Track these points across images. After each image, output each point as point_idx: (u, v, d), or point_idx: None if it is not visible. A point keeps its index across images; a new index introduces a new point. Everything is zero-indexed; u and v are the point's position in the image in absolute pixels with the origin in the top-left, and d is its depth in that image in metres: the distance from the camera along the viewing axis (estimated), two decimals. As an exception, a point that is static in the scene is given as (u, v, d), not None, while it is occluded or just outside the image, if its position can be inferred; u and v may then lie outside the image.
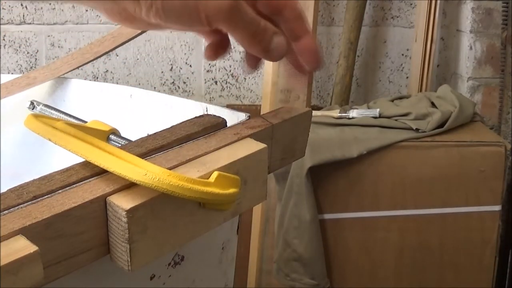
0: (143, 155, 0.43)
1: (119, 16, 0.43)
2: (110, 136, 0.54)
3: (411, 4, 1.68)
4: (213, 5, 0.39)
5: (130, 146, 0.45)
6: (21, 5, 1.63)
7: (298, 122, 0.52)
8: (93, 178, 0.40)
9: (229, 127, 0.49)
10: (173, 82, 1.70)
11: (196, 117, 0.51)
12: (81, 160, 0.41)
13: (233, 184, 0.42)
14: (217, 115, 0.51)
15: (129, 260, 0.37)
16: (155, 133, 0.47)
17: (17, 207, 0.36)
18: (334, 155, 1.24)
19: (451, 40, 1.69)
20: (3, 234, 0.33)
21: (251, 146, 0.45)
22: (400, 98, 1.47)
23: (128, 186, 0.38)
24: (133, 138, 0.50)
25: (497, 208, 1.26)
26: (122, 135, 0.55)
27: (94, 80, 1.67)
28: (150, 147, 0.44)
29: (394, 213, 1.27)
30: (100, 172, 0.40)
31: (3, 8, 1.62)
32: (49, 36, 1.65)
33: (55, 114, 0.68)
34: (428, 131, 1.26)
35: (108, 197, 0.37)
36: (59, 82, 0.87)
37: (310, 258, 1.26)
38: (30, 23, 1.65)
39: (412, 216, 1.28)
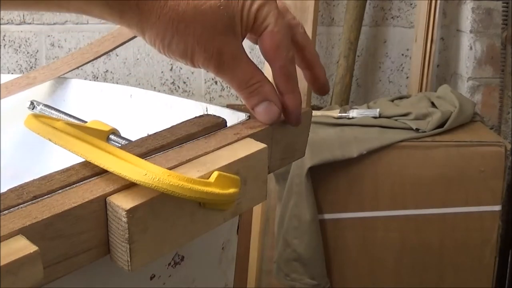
0: (143, 155, 0.43)
1: None
2: (110, 136, 0.54)
3: (411, 4, 1.68)
4: (203, 61, 0.45)
5: (130, 146, 0.45)
6: (21, 5, 1.63)
7: (298, 122, 0.52)
8: (93, 178, 0.40)
9: (229, 127, 0.49)
10: (173, 82, 1.70)
11: (196, 117, 0.51)
12: (81, 160, 0.41)
13: (233, 184, 0.42)
14: (217, 115, 0.51)
15: (129, 260, 0.37)
16: (155, 133, 0.47)
17: (17, 207, 0.36)
18: (334, 155, 1.23)
19: (451, 40, 1.69)
20: (3, 234, 0.33)
21: (251, 146, 0.45)
22: (400, 98, 1.47)
23: (128, 186, 0.38)
24: (133, 138, 0.49)
25: (497, 208, 1.26)
26: (122, 135, 0.55)
27: (94, 80, 1.67)
28: (150, 147, 0.44)
29: (394, 213, 1.27)
30: (100, 172, 0.40)
31: (3, 8, 1.62)
32: (49, 36, 1.65)
33: (55, 114, 0.68)
34: (428, 131, 1.26)
35: (108, 197, 0.37)
36: (59, 82, 0.87)
37: (310, 258, 1.26)
38: (30, 23, 1.65)
39: (412, 216, 1.27)
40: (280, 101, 0.48)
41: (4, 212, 0.35)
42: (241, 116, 0.53)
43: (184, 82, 1.69)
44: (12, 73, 1.58)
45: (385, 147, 1.24)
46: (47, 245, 0.34)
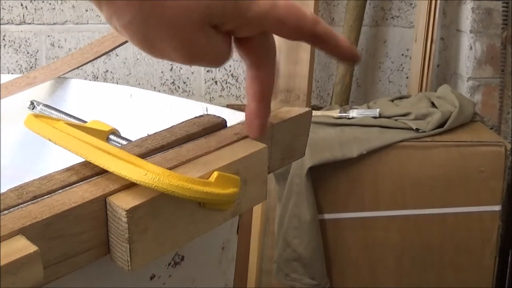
0: (143, 155, 0.43)
1: None
2: (110, 136, 0.54)
3: (411, 4, 1.68)
4: (173, 57, 0.40)
5: (130, 146, 0.45)
6: (21, 5, 1.63)
7: (298, 122, 0.52)
8: (93, 178, 0.40)
9: (229, 127, 0.49)
10: (173, 82, 1.70)
11: (196, 117, 0.51)
12: (81, 160, 0.41)
13: (233, 184, 0.42)
14: (217, 115, 0.51)
15: (129, 260, 0.37)
16: (155, 133, 0.47)
17: (17, 207, 0.36)
18: (334, 155, 1.23)
19: (451, 40, 1.69)
20: (3, 234, 0.33)
21: (251, 146, 0.45)
22: (400, 98, 1.47)
23: (128, 186, 0.38)
24: (133, 138, 0.50)
25: (497, 208, 1.26)
26: (122, 135, 0.55)
27: (94, 80, 1.67)
28: (150, 147, 0.44)
29: (394, 213, 1.27)
30: (100, 172, 0.40)
31: (3, 8, 1.62)
32: (49, 36, 1.65)
33: (55, 114, 0.68)
34: (428, 131, 1.26)
35: (108, 197, 0.37)
36: (59, 82, 0.87)
37: (310, 258, 1.26)
38: (30, 23, 1.65)
39: (412, 216, 1.27)
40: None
41: (4, 212, 0.35)
42: (241, 116, 0.53)
43: (184, 82, 1.70)
44: (12, 73, 1.58)
45: (385, 147, 1.24)
46: (47, 245, 0.34)
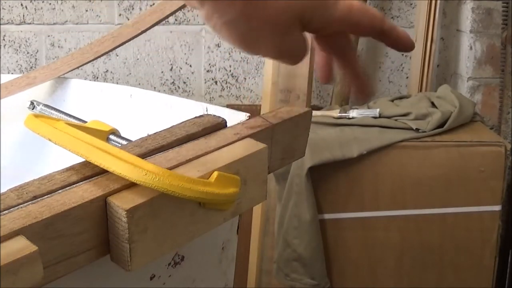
0: (143, 155, 0.43)
1: None
2: (110, 136, 0.54)
3: (411, 4, 1.68)
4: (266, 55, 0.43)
5: (130, 146, 0.45)
6: (21, 5, 1.63)
7: (298, 122, 0.52)
8: (93, 178, 0.40)
9: (229, 127, 0.49)
10: (173, 82, 1.70)
11: (196, 117, 0.51)
12: (81, 160, 0.41)
13: (233, 184, 0.42)
14: (217, 115, 0.51)
15: (129, 260, 0.37)
16: (155, 133, 0.47)
17: (17, 207, 0.36)
18: (334, 155, 1.23)
19: (451, 40, 1.69)
20: (3, 234, 0.33)
21: (251, 146, 0.45)
22: (400, 98, 1.47)
23: (128, 186, 0.38)
24: (133, 138, 0.50)
25: (497, 208, 1.26)
26: (122, 135, 0.55)
27: (94, 80, 1.67)
28: (150, 147, 0.44)
29: (394, 213, 1.27)
30: (100, 172, 0.40)
31: (3, 8, 1.62)
32: (49, 36, 1.65)
33: (55, 114, 0.68)
34: (428, 131, 1.26)
35: (108, 197, 0.37)
36: (59, 82, 0.87)
37: (310, 258, 1.26)
38: (30, 23, 1.65)
39: (412, 216, 1.27)
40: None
41: (4, 212, 0.35)
42: (241, 116, 0.53)
43: (184, 82, 1.70)
44: (12, 73, 1.58)
45: (385, 147, 1.24)
46: (47, 245, 0.34)
